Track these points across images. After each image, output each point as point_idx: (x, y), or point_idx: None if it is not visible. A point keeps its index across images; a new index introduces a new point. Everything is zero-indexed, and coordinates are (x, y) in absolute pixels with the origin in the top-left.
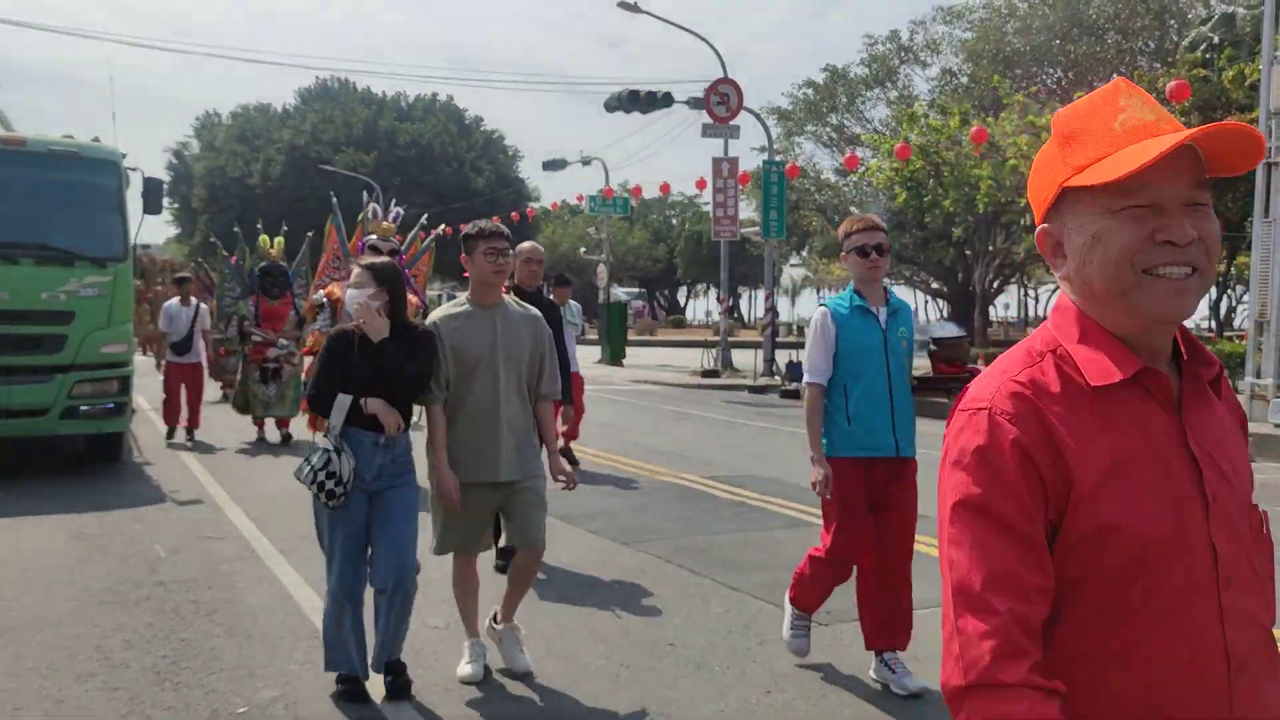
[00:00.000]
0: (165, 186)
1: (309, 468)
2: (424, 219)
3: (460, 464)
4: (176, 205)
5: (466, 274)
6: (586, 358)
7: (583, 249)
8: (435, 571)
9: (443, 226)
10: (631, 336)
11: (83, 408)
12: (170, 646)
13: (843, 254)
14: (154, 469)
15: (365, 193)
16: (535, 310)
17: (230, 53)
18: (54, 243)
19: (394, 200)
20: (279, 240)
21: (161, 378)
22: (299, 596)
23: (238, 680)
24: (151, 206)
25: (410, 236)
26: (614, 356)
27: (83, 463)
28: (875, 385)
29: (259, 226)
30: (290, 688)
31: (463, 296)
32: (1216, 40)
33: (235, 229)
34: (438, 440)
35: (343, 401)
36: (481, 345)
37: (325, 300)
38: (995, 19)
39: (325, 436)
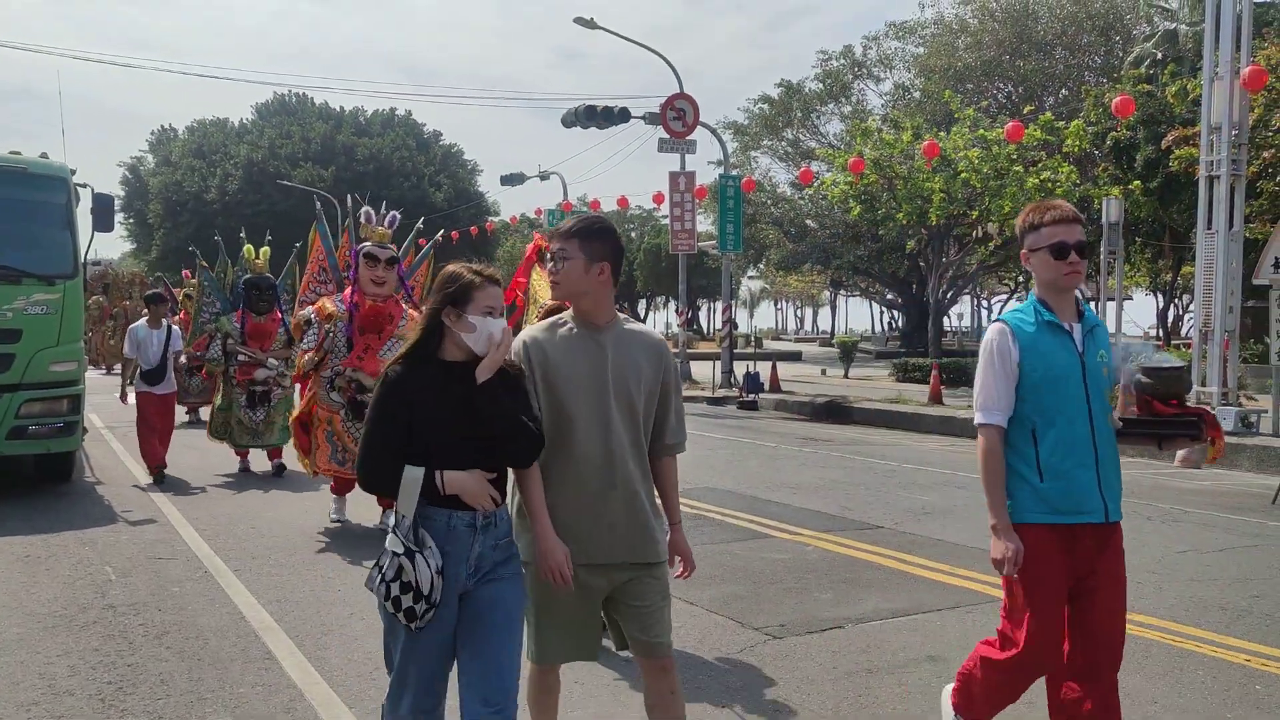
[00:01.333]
0: (118, 202)
1: (379, 577)
2: (420, 224)
3: (563, 536)
4: (132, 220)
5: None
6: None
7: None
8: None
9: (441, 232)
10: None
11: (31, 427)
12: (117, 672)
13: (1024, 252)
14: (105, 489)
15: (336, 203)
16: (656, 335)
17: (185, 67)
18: (1, 260)
19: (355, 211)
20: (265, 250)
21: (129, 408)
22: (251, 617)
23: (187, 705)
24: (102, 224)
25: (406, 244)
26: None
27: (31, 484)
28: (1075, 427)
29: (217, 239)
30: (241, 712)
31: (566, 314)
32: (1160, 56)
33: (191, 248)
34: (536, 502)
35: (413, 479)
36: (586, 378)
37: (313, 317)
38: (946, 35)
39: (394, 531)
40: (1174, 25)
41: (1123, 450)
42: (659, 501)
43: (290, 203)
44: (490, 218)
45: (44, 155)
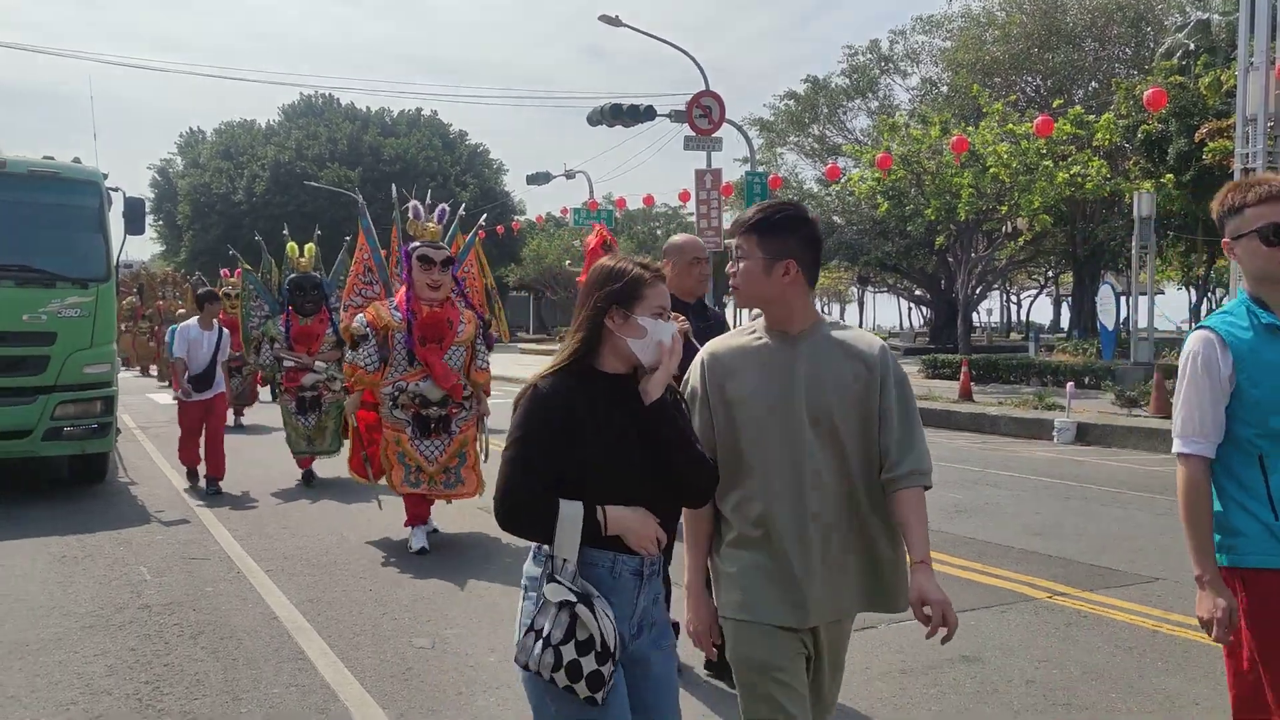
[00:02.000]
0: (148, 205)
1: (539, 644)
2: (461, 209)
3: (733, 591)
4: (161, 223)
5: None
6: None
7: (568, 261)
8: (418, 588)
9: (484, 218)
10: None
11: (66, 428)
12: (153, 671)
13: (1225, 241)
14: (139, 489)
15: (374, 200)
16: (870, 339)
17: (213, 69)
18: (35, 264)
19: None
20: (310, 247)
21: (164, 406)
22: (284, 617)
23: (222, 705)
24: (134, 226)
25: (449, 235)
26: None
27: (67, 484)
28: None
29: (259, 239)
30: (275, 711)
31: (759, 320)
32: (1192, 47)
33: (230, 250)
34: (698, 551)
35: (574, 516)
36: (771, 398)
37: (369, 330)
38: (974, 28)
39: (554, 579)
40: (1206, 15)
41: (1156, 447)
42: (883, 541)
43: (317, 204)
44: (516, 217)
45: (76, 160)
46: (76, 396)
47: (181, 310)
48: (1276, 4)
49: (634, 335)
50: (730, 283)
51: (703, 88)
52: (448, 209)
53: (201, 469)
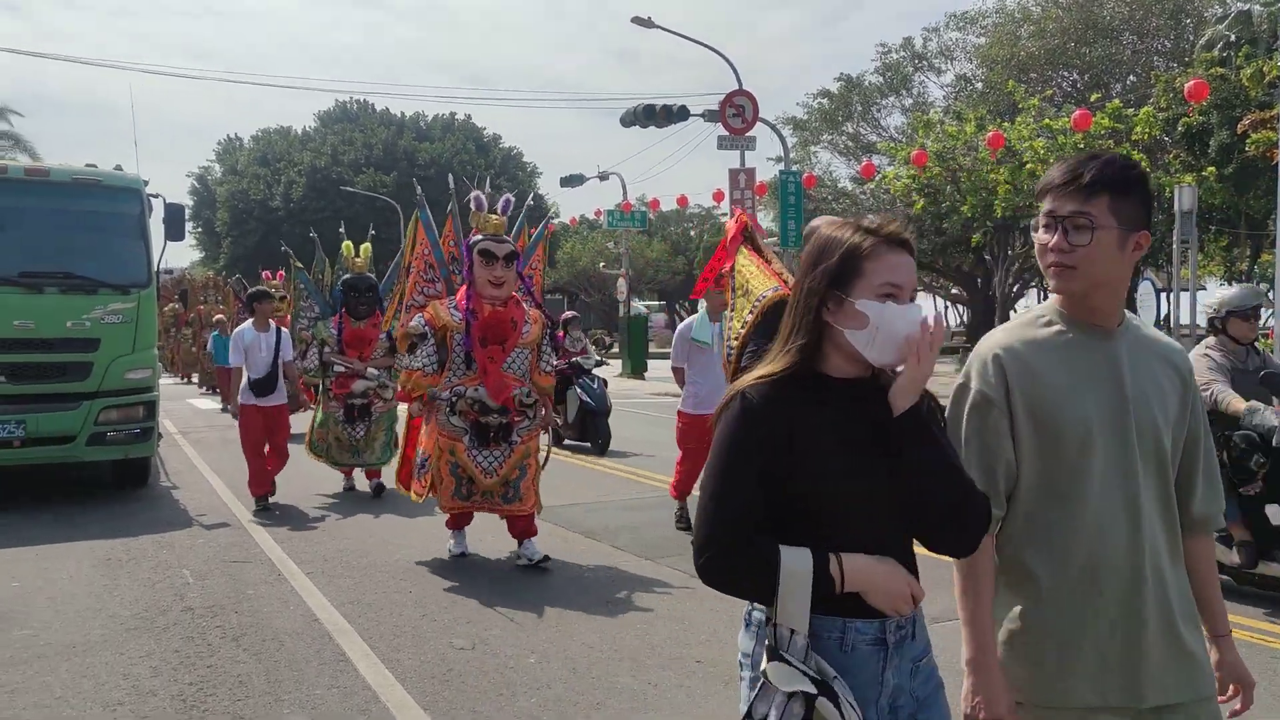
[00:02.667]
0: (188, 211)
1: None
2: (530, 199)
3: (1042, 666)
4: (199, 229)
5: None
6: (606, 371)
7: (602, 263)
8: (458, 589)
9: (555, 208)
10: (653, 349)
11: (109, 433)
12: (197, 673)
13: None
14: (181, 493)
15: (399, 209)
16: (1173, 342)
17: (248, 77)
18: (78, 271)
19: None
20: (365, 247)
21: (206, 413)
22: (325, 619)
23: (265, 706)
24: (174, 233)
25: (515, 229)
26: (635, 369)
27: (110, 488)
28: None
29: (314, 235)
30: (318, 712)
31: (1044, 305)
32: (1233, 38)
33: (284, 247)
34: (979, 612)
35: (801, 571)
36: (1101, 411)
37: (427, 329)
38: (1009, 24)
39: (771, 656)
40: (1247, 5)
41: None
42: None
43: (353, 209)
44: (550, 219)
45: (118, 167)
46: (119, 402)
47: (220, 315)
48: None
49: (854, 325)
50: (1051, 261)
51: (735, 87)
52: (513, 199)
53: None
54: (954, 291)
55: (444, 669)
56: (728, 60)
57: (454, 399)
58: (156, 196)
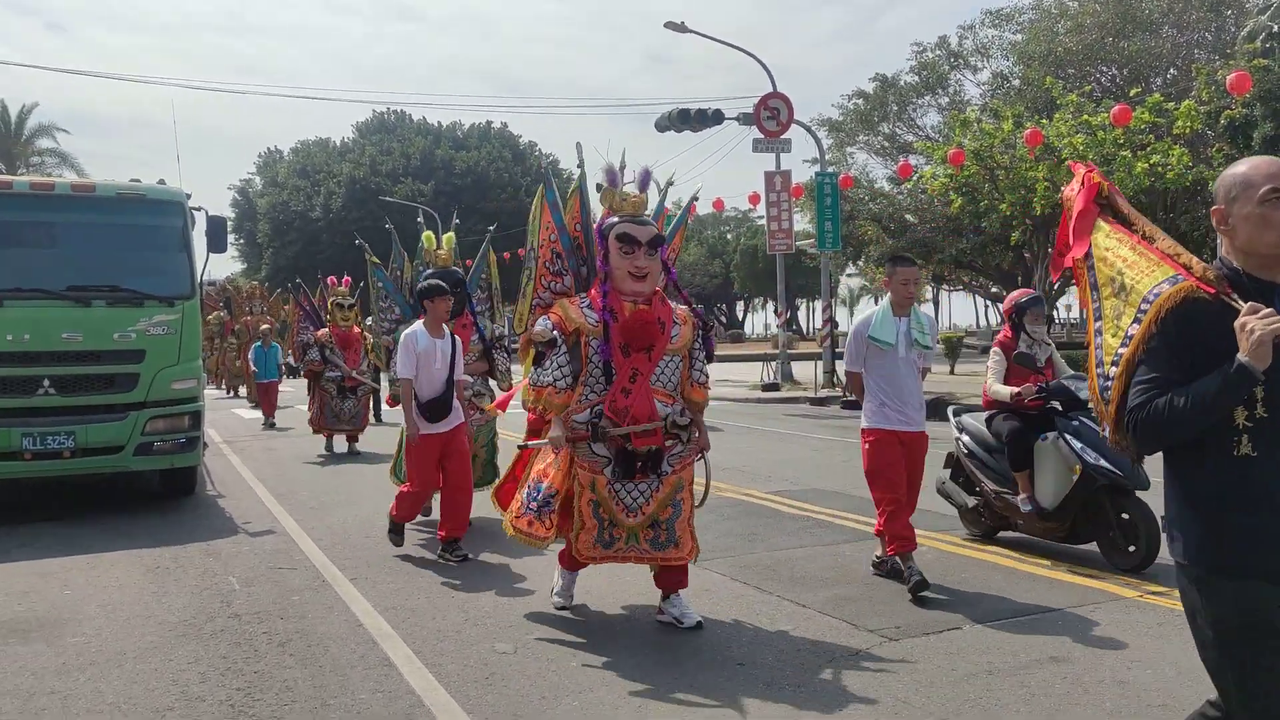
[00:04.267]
0: (230, 223)
1: None
2: (671, 178)
3: None
4: (241, 240)
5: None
6: None
7: None
8: (500, 593)
9: (700, 188)
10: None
11: (156, 444)
12: (245, 679)
13: None
14: (226, 501)
15: (437, 216)
16: None
17: (289, 90)
18: (124, 284)
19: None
20: (449, 237)
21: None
22: (369, 624)
23: (311, 711)
24: (216, 245)
25: (657, 207)
26: None
27: (158, 498)
28: None
29: (389, 226)
30: (362, 717)
31: None
32: (1276, 29)
33: (358, 240)
34: None
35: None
36: None
37: (557, 333)
38: (1045, 20)
39: None
40: None
41: None
42: None
43: (393, 218)
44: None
45: (161, 182)
46: (166, 412)
47: (266, 326)
48: None
49: None
50: None
51: (769, 90)
52: (651, 170)
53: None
54: (993, 290)
55: (486, 673)
56: (762, 63)
57: (595, 420)
58: (199, 209)
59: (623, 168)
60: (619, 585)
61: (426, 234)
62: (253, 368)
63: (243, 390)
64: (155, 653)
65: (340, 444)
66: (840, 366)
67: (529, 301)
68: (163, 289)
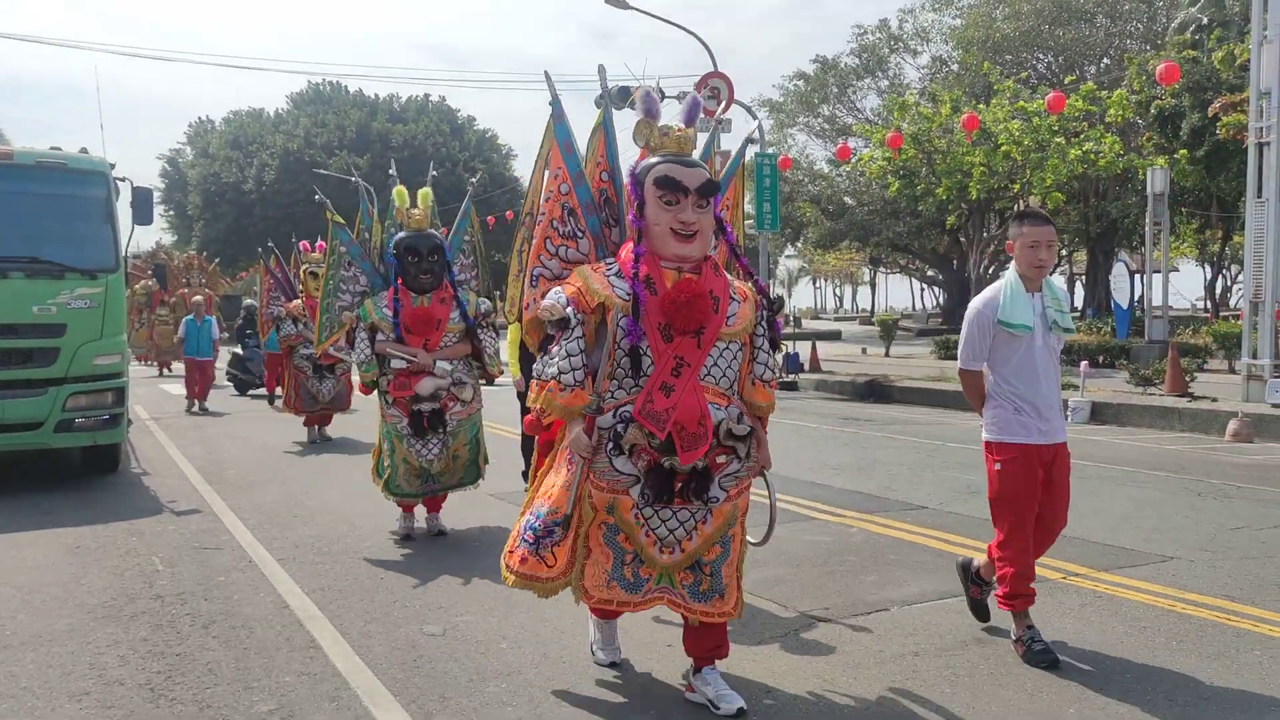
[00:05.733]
0: (158, 195)
1: None
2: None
3: None
4: (171, 212)
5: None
6: None
7: None
8: (430, 575)
9: (756, 126)
10: None
11: (77, 420)
12: (166, 661)
13: None
14: (151, 479)
15: (373, 192)
16: None
17: (220, 59)
18: (44, 256)
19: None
20: (425, 193)
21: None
22: (296, 606)
23: (234, 694)
24: (141, 216)
25: (704, 151)
26: None
27: (79, 475)
28: None
29: (357, 180)
30: (287, 699)
31: None
32: (1205, 21)
33: (317, 196)
34: None
35: None
36: None
37: (570, 309)
38: (984, 6)
39: None
40: None
41: (1171, 425)
42: None
43: (327, 190)
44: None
45: (84, 150)
46: (88, 388)
47: (199, 297)
48: None
49: None
50: None
51: (711, 68)
52: (700, 99)
53: None
54: (929, 274)
55: (415, 655)
56: (702, 41)
57: (621, 427)
58: (124, 180)
59: (656, 87)
60: None
61: (398, 189)
62: (184, 337)
63: (179, 368)
64: (73, 635)
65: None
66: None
67: (527, 275)
68: (85, 261)
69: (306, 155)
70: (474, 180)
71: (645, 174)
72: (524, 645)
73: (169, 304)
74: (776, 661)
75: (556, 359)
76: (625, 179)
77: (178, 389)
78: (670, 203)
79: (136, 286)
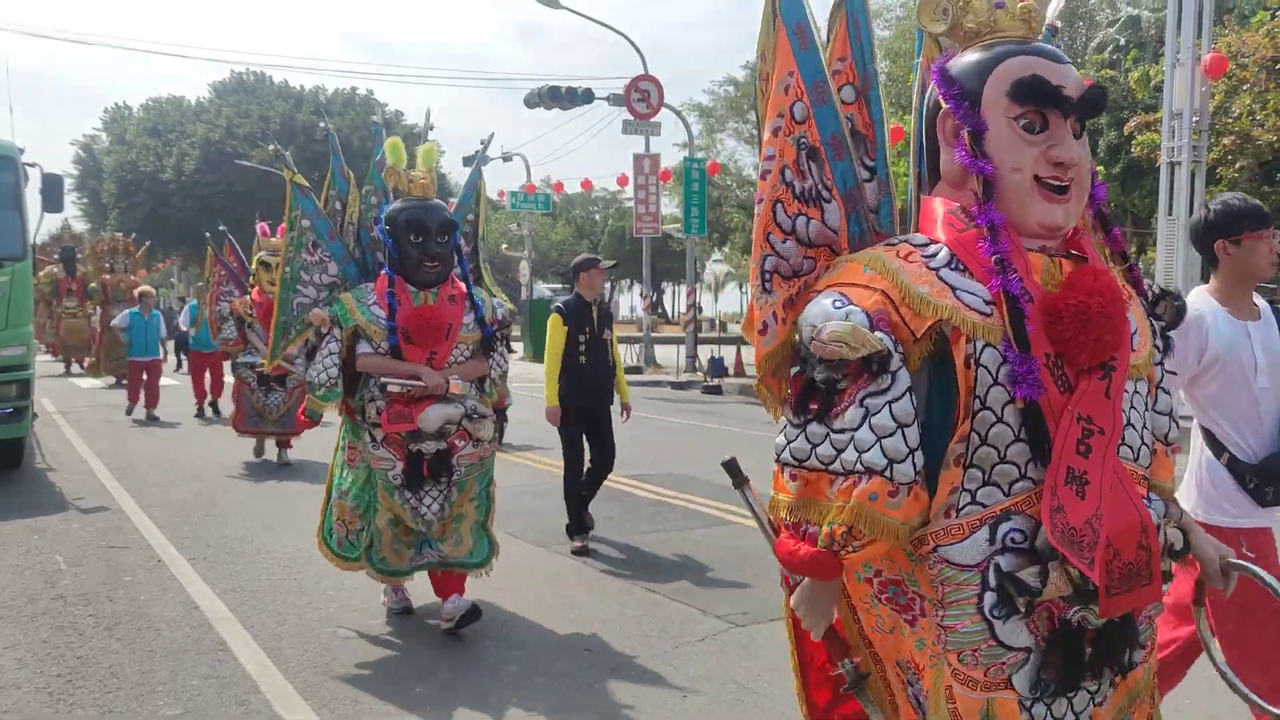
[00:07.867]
0: (71, 181)
1: None
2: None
3: None
4: (85, 200)
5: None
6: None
7: (505, 245)
8: (344, 578)
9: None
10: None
11: None
12: (66, 664)
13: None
14: (57, 475)
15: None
16: None
17: (137, 44)
18: None
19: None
20: (427, 150)
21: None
22: (206, 607)
23: (138, 698)
24: (51, 204)
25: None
26: (537, 354)
27: None
28: None
29: (325, 125)
30: (194, 703)
31: None
32: (1123, 42)
33: (273, 145)
34: None
35: None
36: None
37: (887, 339)
38: (912, 18)
39: None
40: (1137, 11)
41: None
42: None
43: (248, 183)
44: (452, 199)
45: None
46: None
47: (146, 289)
48: (1203, 2)
49: None
50: None
51: (641, 69)
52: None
53: None
54: None
55: (328, 658)
56: (633, 44)
57: (1007, 561)
58: (33, 165)
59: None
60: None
61: (391, 141)
62: (123, 339)
63: (87, 361)
64: None
65: (270, 448)
66: (703, 352)
67: (754, 270)
68: None
69: (228, 145)
70: (488, 136)
71: (982, 74)
72: (439, 648)
73: (75, 293)
74: (695, 666)
75: (866, 430)
76: (923, 84)
77: (88, 382)
78: (1035, 128)
79: (41, 274)
